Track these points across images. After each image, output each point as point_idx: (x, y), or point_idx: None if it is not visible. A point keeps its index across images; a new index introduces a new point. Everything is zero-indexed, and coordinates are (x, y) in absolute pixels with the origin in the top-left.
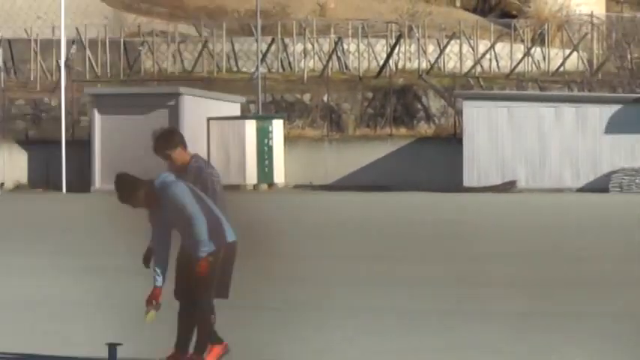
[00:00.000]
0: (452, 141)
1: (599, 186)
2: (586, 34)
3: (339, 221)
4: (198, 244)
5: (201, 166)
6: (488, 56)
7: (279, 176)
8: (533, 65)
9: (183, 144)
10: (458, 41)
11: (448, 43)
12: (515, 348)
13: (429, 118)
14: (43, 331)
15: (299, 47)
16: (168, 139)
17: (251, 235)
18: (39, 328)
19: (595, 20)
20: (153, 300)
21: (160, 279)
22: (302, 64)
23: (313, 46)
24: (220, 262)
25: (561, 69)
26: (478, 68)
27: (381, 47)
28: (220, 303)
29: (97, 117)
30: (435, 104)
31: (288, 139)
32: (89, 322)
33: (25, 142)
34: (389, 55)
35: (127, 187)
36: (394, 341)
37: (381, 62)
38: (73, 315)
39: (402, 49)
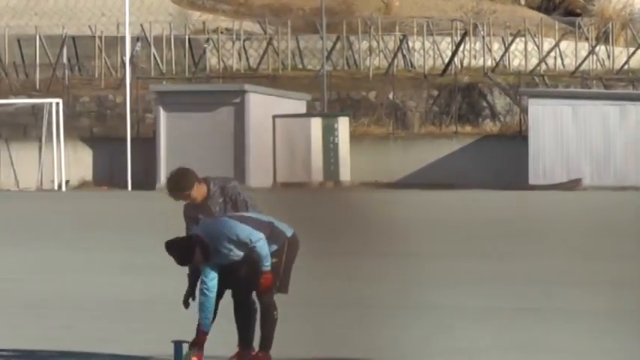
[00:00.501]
0: (517, 139)
1: None
2: None
3: (419, 219)
4: (263, 260)
5: (223, 186)
6: (552, 54)
7: (344, 174)
8: (598, 63)
9: (197, 179)
10: (523, 39)
11: (513, 40)
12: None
13: (494, 115)
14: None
15: (364, 45)
16: (185, 180)
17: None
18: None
19: None
20: (196, 346)
21: (208, 324)
22: (367, 62)
23: (378, 43)
24: (284, 258)
25: (625, 67)
26: (543, 66)
27: (446, 45)
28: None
29: (162, 114)
30: (500, 102)
31: (354, 137)
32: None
33: (90, 140)
34: (454, 53)
35: (183, 251)
36: (483, 338)
37: (446, 60)
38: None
39: (467, 46)
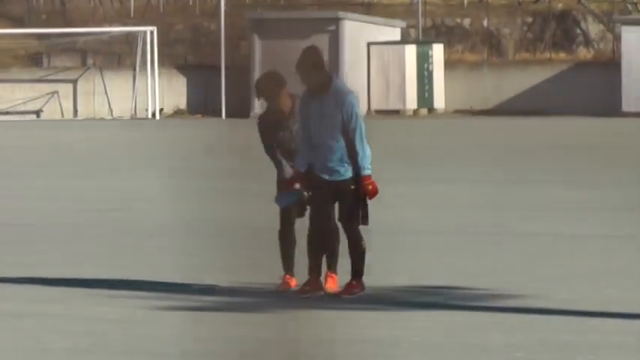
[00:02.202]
0: (610, 66)
1: None
2: None
3: (513, 145)
4: (364, 160)
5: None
6: None
7: (438, 101)
8: None
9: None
10: None
11: None
12: None
13: (587, 42)
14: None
15: None
16: (281, 77)
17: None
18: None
19: None
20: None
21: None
22: None
23: None
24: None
25: None
26: None
27: None
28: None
29: (257, 42)
30: (593, 29)
31: (448, 64)
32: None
33: (184, 68)
34: None
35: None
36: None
37: None
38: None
39: None
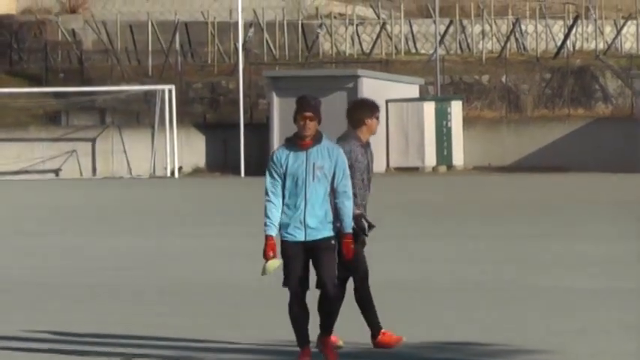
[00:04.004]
0: (629, 121)
1: None
2: None
3: (533, 201)
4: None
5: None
6: None
7: (457, 158)
8: None
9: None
10: (634, 22)
11: (625, 23)
12: None
13: (606, 98)
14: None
15: (477, 28)
16: (369, 105)
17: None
18: None
19: None
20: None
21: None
22: (480, 46)
23: (491, 27)
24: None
25: None
26: None
27: (558, 28)
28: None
29: (276, 100)
30: (612, 85)
31: (467, 121)
32: None
33: (203, 126)
34: (566, 36)
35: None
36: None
37: (559, 43)
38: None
39: (579, 29)
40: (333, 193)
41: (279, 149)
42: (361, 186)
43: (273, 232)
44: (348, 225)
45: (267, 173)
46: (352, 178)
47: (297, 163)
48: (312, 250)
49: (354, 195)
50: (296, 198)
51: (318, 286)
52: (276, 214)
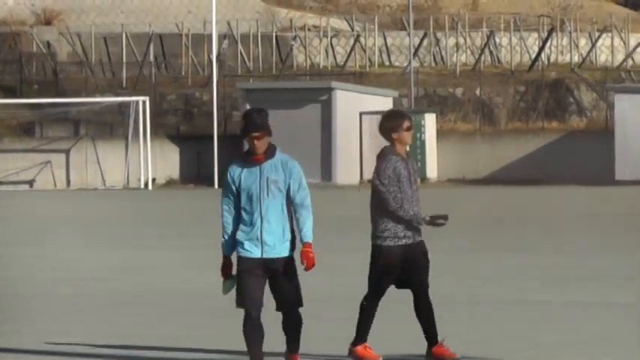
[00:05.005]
0: (603, 134)
1: None
2: None
3: (508, 215)
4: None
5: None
6: (639, 50)
7: (431, 170)
8: None
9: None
10: (609, 35)
11: (600, 36)
12: None
13: (580, 111)
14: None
15: (451, 41)
16: (393, 118)
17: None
18: None
19: None
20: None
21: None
22: (454, 58)
23: (465, 40)
24: None
25: None
26: (630, 62)
27: (532, 41)
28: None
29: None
30: (586, 98)
31: (441, 133)
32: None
33: (177, 138)
34: (541, 49)
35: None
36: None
37: (533, 56)
38: None
39: (554, 42)
40: (292, 206)
41: (232, 166)
42: (410, 200)
43: (229, 251)
44: (307, 234)
45: (222, 191)
46: (401, 193)
47: (250, 178)
48: (270, 271)
49: (401, 208)
50: (252, 215)
51: (278, 309)
52: (231, 232)
